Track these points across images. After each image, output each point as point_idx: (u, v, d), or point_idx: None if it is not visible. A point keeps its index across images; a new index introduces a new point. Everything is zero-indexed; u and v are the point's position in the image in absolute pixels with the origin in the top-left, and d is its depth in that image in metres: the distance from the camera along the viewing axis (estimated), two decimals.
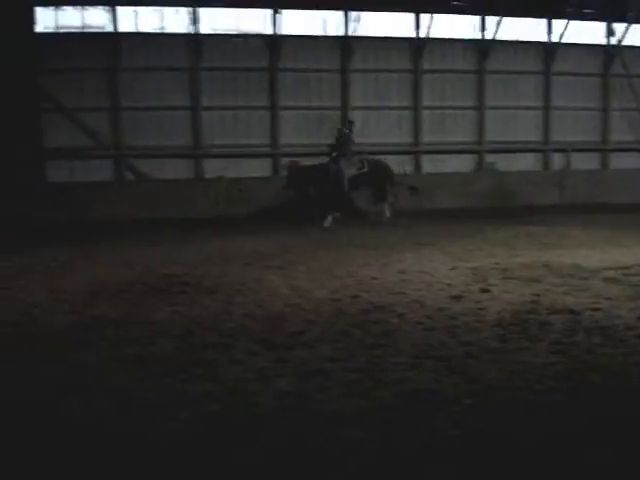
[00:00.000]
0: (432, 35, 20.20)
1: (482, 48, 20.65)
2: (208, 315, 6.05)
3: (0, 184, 15.54)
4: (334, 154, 15.35)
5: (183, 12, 18.96)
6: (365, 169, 15.55)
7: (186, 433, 3.47)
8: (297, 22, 19.58)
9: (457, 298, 6.51)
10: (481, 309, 6.02)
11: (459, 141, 20.87)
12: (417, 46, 20.26)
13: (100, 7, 18.45)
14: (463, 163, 20.92)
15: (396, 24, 20.21)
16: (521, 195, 18.35)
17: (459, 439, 3.34)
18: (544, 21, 21.07)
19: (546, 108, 21.27)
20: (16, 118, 16.56)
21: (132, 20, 18.71)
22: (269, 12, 19.31)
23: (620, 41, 21.45)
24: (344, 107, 19.85)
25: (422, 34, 20.22)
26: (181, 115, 19.06)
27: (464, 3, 20.29)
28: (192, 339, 5.26)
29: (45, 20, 18.20)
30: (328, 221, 14.66)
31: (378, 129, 20.02)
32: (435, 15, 19.93)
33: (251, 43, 19.39)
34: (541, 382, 4.10)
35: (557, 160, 21.32)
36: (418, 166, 20.60)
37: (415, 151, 20.62)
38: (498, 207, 17.18)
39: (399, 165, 17.49)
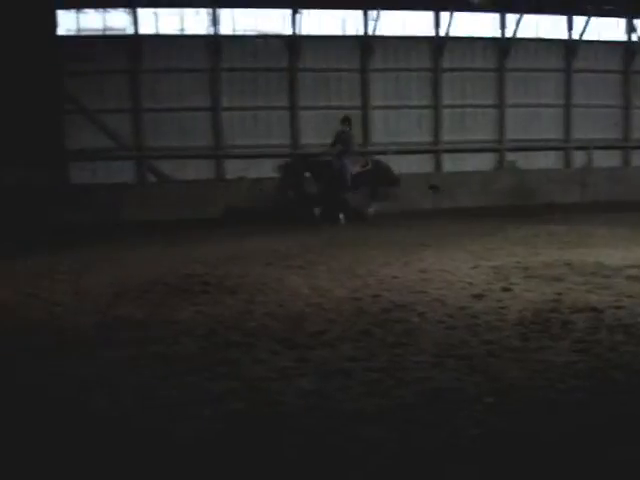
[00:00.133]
0: (452, 33, 20.13)
1: (502, 46, 20.55)
2: (230, 314, 6.08)
3: (25, 184, 15.74)
4: (337, 151, 15.26)
5: (203, 13, 19.08)
6: (369, 167, 15.62)
7: (209, 431, 3.50)
8: (317, 22, 19.61)
9: (478, 297, 6.48)
10: (502, 308, 5.99)
11: (479, 139, 20.77)
12: (437, 45, 20.20)
13: (121, 9, 18.63)
14: (483, 161, 20.83)
15: (416, 23, 20.22)
16: (542, 193, 18.24)
17: (480, 438, 3.34)
18: (564, 18, 20.93)
19: (567, 106, 21.12)
20: (39, 120, 16.75)
21: (152, 22, 18.87)
22: (288, 12, 19.34)
23: None
24: (364, 107, 19.84)
25: (442, 33, 20.17)
26: (202, 116, 19.15)
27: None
28: (215, 338, 5.29)
29: (67, 23, 18.40)
30: (342, 218, 14.81)
31: (398, 128, 20.02)
32: (455, 13, 19.88)
33: (271, 43, 19.44)
34: (563, 381, 4.08)
35: (578, 158, 21.15)
36: (438, 165, 20.56)
37: (435, 150, 20.58)
38: (519, 205, 17.05)
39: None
